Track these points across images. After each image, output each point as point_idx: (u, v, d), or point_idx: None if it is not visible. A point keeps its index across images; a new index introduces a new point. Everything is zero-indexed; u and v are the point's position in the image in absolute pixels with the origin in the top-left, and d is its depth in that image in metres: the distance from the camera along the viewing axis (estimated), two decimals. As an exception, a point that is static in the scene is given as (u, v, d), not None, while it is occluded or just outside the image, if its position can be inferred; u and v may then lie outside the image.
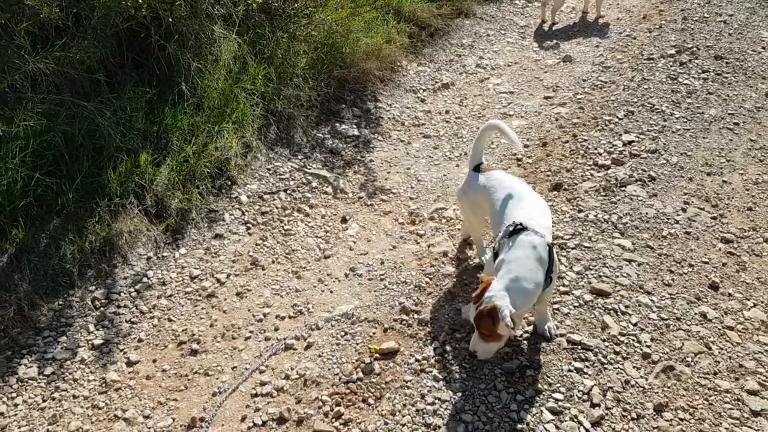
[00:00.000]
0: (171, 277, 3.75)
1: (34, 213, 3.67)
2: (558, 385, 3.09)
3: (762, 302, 3.57)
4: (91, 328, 3.40)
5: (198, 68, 4.63)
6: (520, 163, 4.87)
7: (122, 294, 3.61)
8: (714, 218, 4.20)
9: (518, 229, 3.00)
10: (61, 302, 3.48)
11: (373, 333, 3.40)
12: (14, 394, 3.06)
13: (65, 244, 3.60)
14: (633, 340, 3.33)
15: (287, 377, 3.15)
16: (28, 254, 3.53)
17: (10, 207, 3.59)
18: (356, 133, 5.20)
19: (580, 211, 4.29)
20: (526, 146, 5.07)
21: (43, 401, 3.04)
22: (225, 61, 4.79)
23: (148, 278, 3.73)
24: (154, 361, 3.23)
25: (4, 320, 3.28)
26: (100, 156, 4.00)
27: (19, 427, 2.92)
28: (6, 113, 3.85)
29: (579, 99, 5.72)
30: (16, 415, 2.97)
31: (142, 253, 3.85)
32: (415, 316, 3.52)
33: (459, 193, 3.66)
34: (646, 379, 3.12)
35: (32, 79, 4.03)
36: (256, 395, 3.06)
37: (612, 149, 4.90)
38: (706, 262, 3.85)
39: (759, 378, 3.13)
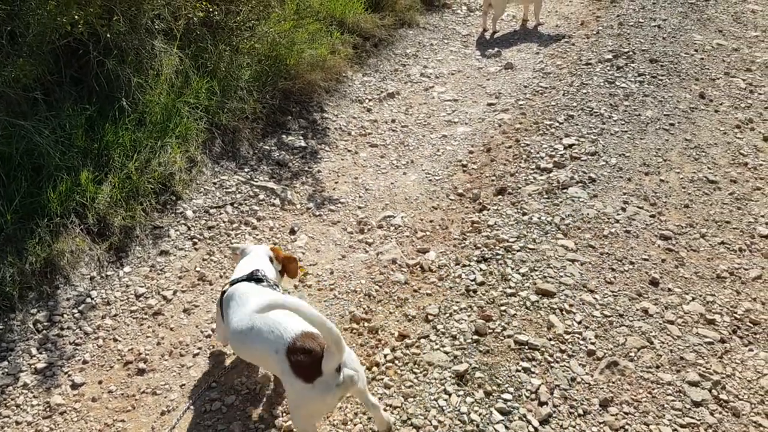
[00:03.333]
0: (115, 297, 3.69)
1: (-30, 236, 3.56)
2: (507, 385, 3.15)
3: (700, 296, 3.71)
4: (34, 351, 3.31)
5: (139, 83, 4.57)
6: (465, 169, 4.95)
7: (65, 315, 3.53)
8: (652, 216, 4.34)
9: None
10: (1, 326, 3.38)
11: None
12: (-48, 424, 2.96)
13: (4, 266, 3.50)
14: (578, 338, 3.42)
15: (237, 393, 3.12)
16: (-36, 279, 3.43)
17: (-56, 231, 3.49)
18: (303, 144, 5.21)
19: (524, 214, 4.39)
20: (470, 152, 5.16)
21: (-16, 430, 2.95)
22: (167, 76, 4.74)
23: (92, 298, 3.65)
24: (100, 382, 3.17)
25: (-61, 348, 3.17)
26: (39, 175, 3.91)
27: (-41, 458, 2.82)
28: (-63, 134, 3.74)
29: (521, 105, 5.85)
30: (-46, 445, 2.88)
31: (85, 273, 3.78)
32: (366, 324, 3.54)
33: None
34: (592, 376, 3.21)
35: (-36, 98, 3.92)
36: (206, 411, 3.03)
37: (553, 153, 5.03)
38: (646, 259, 3.98)
39: (699, 369, 3.24)
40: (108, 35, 4.40)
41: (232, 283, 2.91)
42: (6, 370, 3.21)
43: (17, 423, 2.98)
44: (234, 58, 5.30)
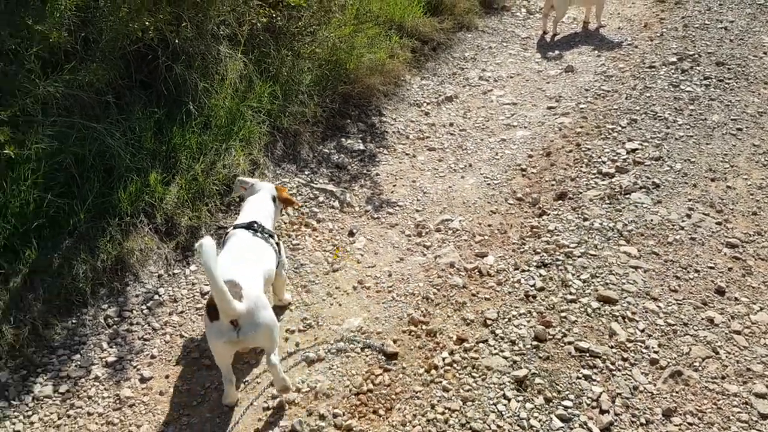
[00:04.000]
0: (182, 294, 3.81)
1: (47, 234, 3.73)
2: (567, 392, 3.11)
3: (769, 306, 3.59)
4: (105, 345, 3.45)
5: (205, 88, 4.70)
6: (524, 173, 4.91)
7: (134, 311, 3.67)
8: (719, 223, 4.23)
9: None
10: (74, 321, 3.54)
11: (383, 344, 3.43)
12: (30, 413, 3.10)
13: (77, 263, 3.65)
14: (641, 347, 3.36)
15: (298, 390, 3.18)
16: (41, 274, 3.59)
17: (23, 228, 3.65)
18: (362, 147, 5.26)
19: (585, 219, 4.33)
20: (530, 156, 5.12)
21: (59, 419, 3.09)
22: (231, 80, 4.87)
23: (160, 295, 3.78)
24: (167, 376, 3.28)
25: (19, 340, 3.33)
26: (111, 176, 4.06)
27: (36, 445, 2.96)
28: (18, 136, 3.91)
29: (582, 108, 5.76)
30: (32, 433, 3.02)
31: (153, 271, 3.91)
32: (423, 327, 3.56)
33: None
34: (655, 385, 3.15)
35: (43, 102, 4.09)
36: (267, 408, 3.09)
37: (616, 157, 4.94)
38: (711, 268, 3.88)
39: (767, 381, 3.14)
40: (176, 41, 4.54)
41: (235, 227, 3.35)
42: (79, 362, 3.35)
43: (89, 414, 3.11)
44: (295, 62, 5.39)
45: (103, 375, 3.30)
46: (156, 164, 4.27)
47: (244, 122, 4.76)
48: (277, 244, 3.42)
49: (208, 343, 2.91)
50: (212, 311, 2.75)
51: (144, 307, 3.70)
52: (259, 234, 3.29)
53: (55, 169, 3.89)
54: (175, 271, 3.94)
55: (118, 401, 3.16)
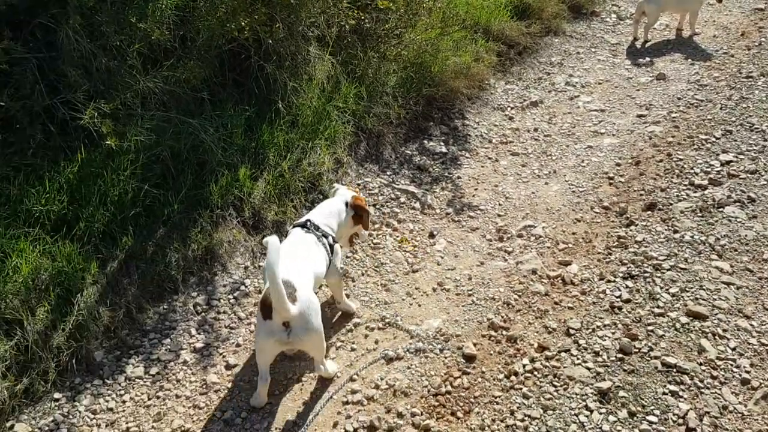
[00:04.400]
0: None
1: (143, 222, 3.90)
2: (652, 407, 3.02)
3: None
4: (193, 332, 3.58)
5: (294, 87, 4.82)
6: (611, 182, 4.79)
7: (222, 301, 3.79)
8: (821, 242, 4.00)
9: None
10: (165, 306, 3.69)
11: (461, 347, 3.42)
12: (122, 392, 3.26)
13: (170, 251, 3.81)
14: (731, 365, 3.23)
15: (377, 387, 3.21)
16: (136, 261, 3.76)
17: (121, 216, 3.84)
18: (444, 150, 5.26)
19: (675, 231, 4.18)
20: (618, 165, 4.98)
21: (149, 399, 3.22)
22: (319, 80, 4.97)
23: (246, 286, 3.89)
24: (251, 365, 3.37)
25: (114, 322, 3.50)
26: (203, 170, 4.22)
27: (127, 423, 3.10)
28: (119, 128, 4.12)
29: (674, 117, 5.57)
30: (124, 411, 3.17)
31: (240, 263, 4.03)
32: (504, 332, 3.52)
33: None
34: (746, 406, 3.02)
35: (142, 97, 4.29)
36: (347, 403, 3.14)
37: (709, 169, 4.76)
38: (812, 288, 3.67)
39: None
40: (269, 41, 4.68)
41: (293, 225, 3.44)
42: (169, 347, 3.49)
43: (177, 396, 3.24)
44: (381, 64, 5.45)
45: (191, 360, 3.42)
46: (245, 160, 4.41)
47: (329, 122, 4.85)
48: (331, 245, 3.38)
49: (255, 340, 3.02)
50: (266, 310, 2.82)
51: (231, 296, 3.82)
52: (311, 232, 3.32)
53: (152, 161, 4.07)
54: (261, 264, 4.05)
55: (204, 386, 3.27)
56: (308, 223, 3.37)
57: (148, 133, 4.10)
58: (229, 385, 3.27)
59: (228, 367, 3.38)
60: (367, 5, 5.48)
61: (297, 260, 3.08)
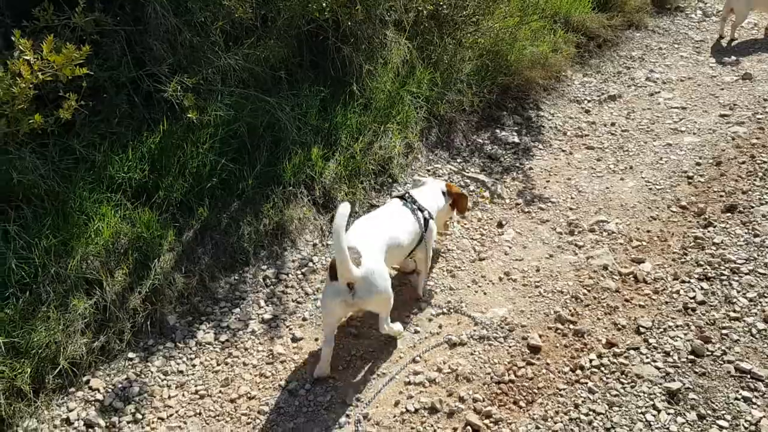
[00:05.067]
0: (334, 264, 3.96)
1: (218, 195, 4.01)
2: (723, 412, 2.92)
3: None
4: (262, 303, 3.67)
5: (369, 70, 4.84)
6: (690, 181, 4.62)
7: (290, 275, 3.87)
8: None
9: None
10: (236, 277, 3.79)
11: (526, 337, 3.39)
12: (193, 356, 3.37)
13: (243, 225, 3.91)
14: (812, 377, 3.08)
15: (439, 370, 3.22)
16: (210, 231, 3.88)
17: (198, 188, 3.95)
18: (516, 140, 5.19)
19: (756, 235, 4.02)
20: (698, 164, 4.81)
21: (218, 365, 3.32)
22: (394, 65, 4.97)
23: (313, 263, 3.95)
24: (316, 340, 3.43)
25: (188, 288, 3.62)
26: (278, 147, 4.29)
27: (196, 386, 3.21)
28: (199, 103, 4.23)
29: (759, 119, 5.33)
30: (193, 374, 3.28)
31: (309, 240, 4.10)
32: (571, 326, 3.47)
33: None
34: (827, 419, 2.87)
35: (223, 73, 4.38)
36: (409, 383, 3.16)
37: (796, 173, 4.54)
38: None
39: None
40: (348, 23, 4.70)
41: (393, 196, 3.68)
42: (238, 316, 3.59)
43: (244, 364, 3.33)
44: (457, 51, 5.42)
45: (259, 330, 3.51)
46: (318, 140, 4.46)
47: (402, 106, 4.85)
48: (426, 221, 3.50)
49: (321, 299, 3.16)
50: (333, 272, 2.96)
51: (299, 272, 3.89)
52: (408, 204, 3.49)
53: (229, 136, 4.16)
54: (329, 242, 4.11)
55: (270, 356, 3.35)
56: (407, 195, 3.57)
57: (227, 109, 4.19)
58: (295, 357, 3.34)
59: (294, 339, 3.45)
60: (445, -10, 5.45)
61: (378, 228, 3.28)
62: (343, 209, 2.83)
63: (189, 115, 3.99)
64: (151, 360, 3.33)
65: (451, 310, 3.61)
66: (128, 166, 3.83)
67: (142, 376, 3.25)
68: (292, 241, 4.04)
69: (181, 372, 3.28)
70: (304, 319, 3.57)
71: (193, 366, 3.32)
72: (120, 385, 3.19)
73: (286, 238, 4.04)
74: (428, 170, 4.75)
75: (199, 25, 4.37)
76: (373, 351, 3.35)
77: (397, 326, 3.37)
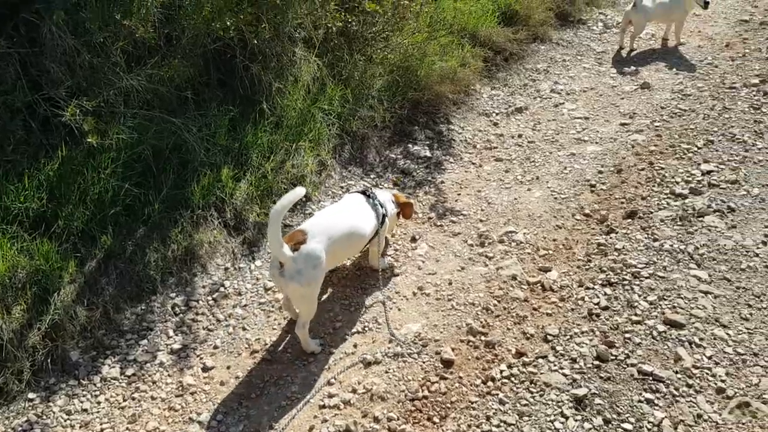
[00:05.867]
0: (246, 288, 3.89)
1: (123, 221, 3.87)
2: (627, 415, 3.04)
3: None
4: (171, 333, 3.56)
5: (279, 88, 4.81)
6: (593, 189, 4.81)
7: (200, 302, 3.77)
8: (797, 252, 4.04)
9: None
10: (143, 307, 3.67)
11: (439, 351, 3.43)
12: (98, 393, 3.23)
13: (150, 251, 3.79)
14: (707, 374, 3.25)
15: (354, 391, 3.21)
16: (115, 260, 3.74)
17: (101, 215, 3.81)
18: (428, 154, 5.27)
19: (655, 240, 4.21)
20: (600, 172, 5.01)
21: (124, 400, 3.20)
22: (304, 82, 4.96)
23: (225, 288, 3.88)
24: (228, 367, 3.36)
25: (90, 321, 3.47)
26: (185, 169, 4.19)
27: (101, 424, 3.08)
28: (100, 126, 4.09)
29: (657, 126, 5.61)
30: (98, 412, 3.14)
31: (220, 264, 4.01)
32: (482, 338, 3.53)
33: None
34: (720, 414, 3.04)
35: (125, 94, 4.25)
36: (323, 407, 3.13)
37: (690, 178, 4.80)
38: (788, 298, 3.71)
39: (844, 422, 2.98)
40: (255, 41, 4.66)
41: (354, 191, 3.93)
42: (146, 348, 3.47)
43: (152, 398, 3.22)
44: (367, 67, 5.45)
45: (168, 361, 3.40)
46: (228, 160, 4.39)
47: (314, 124, 4.84)
48: (384, 216, 3.76)
49: None
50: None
51: (210, 298, 3.81)
52: (370, 200, 3.75)
53: (133, 159, 4.04)
54: (241, 265, 4.04)
55: (180, 388, 3.25)
56: (369, 191, 3.82)
57: (130, 132, 4.07)
58: (206, 387, 3.26)
59: (205, 369, 3.36)
60: (354, 8, 5.48)
61: (342, 217, 3.55)
62: (295, 192, 3.06)
63: (89, 140, 3.85)
64: (53, 399, 3.18)
65: (366, 329, 3.61)
66: (24, 196, 3.65)
67: (44, 417, 3.10)
68: (202, 266, 3.95)
69: (86, 410, 3.15)
70: (216, 347, 3.49)
71: (98, 403, 3.18)
72: (20, 429, 3.03)
73: (195, 263, 3.94)
74: (342, 187, 4.76)
75: (98, 46, 4.23)
76: (287, 375, 3.30)
77: (313, 345, 3.40)
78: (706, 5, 6.69)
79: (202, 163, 4.24)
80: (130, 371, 3.33)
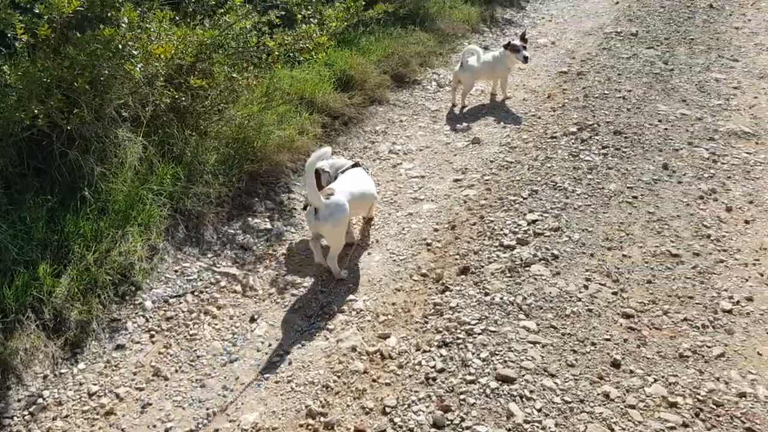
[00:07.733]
0: (68, 396, 3.61)
1: None
2: (463, 482, 3.07)
3: (662, 377, 3.67)
4: (-23, 460, 3.22)
5: (102, 173, 4.60)
6: (429, 247, 4.96)
7: (15, 418, 3.45)
8: (615, 293, 4.34)
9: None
10: (-56, 433, 3.30)
11: (278, 440, 3.33)
12: None
13: (-48, 369, 3.44)
14: (537, 427, 3.37)
15: (186, 497, 3.04)
16: None
17: None
18: (269, 226, 5.22)
19: (486, 294, 4.37)
20: (435, 230, 5.18)
21: None
22: (130, 164, 4.78)
23: (44, 398, 3.57)
24: (44, 491, 3.08)
25: None
26: (-5, 271, 3.88)
27: None
28: None
29: (486, 180, 5.91)
30: None
31: (39, 372, 3.71)
32: (321, 419, 3.47)
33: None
34: (550, 469, 3.14)
35: None
36: None
37: (517, 229, 5.06)
38: (608, 339, 3.96)
39: (658, 457, 3.18)
40: (68, 127, 4.45)
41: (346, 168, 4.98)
42: (-53, 480, 3.11)
43: None
44: (200, 142, 5.36)
45: (-28, 494, 3.07)
46: (46, 255, 4.12)
47: (143, 206, 4.66)
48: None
49: None
50: (307, 205, 4.73)
51: (26, 412, 3.49)
52: (366, 170, 5.10)
53: (-69, 266, 3.69)
54: (62, 371, 3.75)
55: None
56: (360, 163, 5.19)
57: (-73, 236, 3.73)
58: None
59: (16, 496, 3.06)
60: (181, 83, 5.40)
61: (357, 182, 4.74)
62: (320, 152, 4.17)
63: None
64: None
65: (200, 426, 3.45)
66: None
67: None
68: (17, 376, 3.63)
69: None
70: (29, 470, 3.19)
71: None
72: None
73: (10, 374, 3.61)
74: (176, 270, 4.59)
75: None
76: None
77: (345, 273, 4.63)
78: (525, 60, 7.23)
79: (15, 261, 3.95)
80: None
